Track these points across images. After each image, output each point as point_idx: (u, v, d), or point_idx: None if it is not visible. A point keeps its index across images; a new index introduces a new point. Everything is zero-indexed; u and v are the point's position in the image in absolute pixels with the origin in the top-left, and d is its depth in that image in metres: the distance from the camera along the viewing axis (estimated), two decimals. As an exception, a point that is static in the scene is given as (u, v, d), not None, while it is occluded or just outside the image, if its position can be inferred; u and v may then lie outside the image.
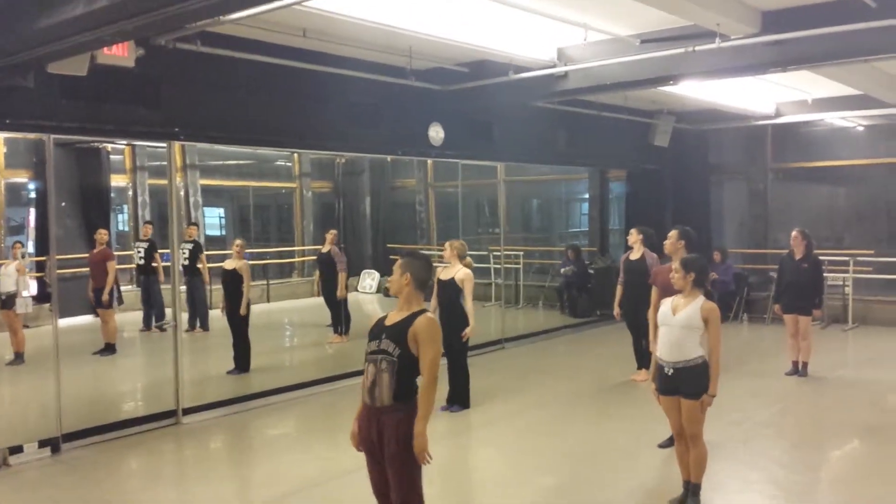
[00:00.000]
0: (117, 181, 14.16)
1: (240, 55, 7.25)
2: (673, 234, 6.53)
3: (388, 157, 15.87)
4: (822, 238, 12.59)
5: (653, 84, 8.58)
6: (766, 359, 9.70)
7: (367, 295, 16.95)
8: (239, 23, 6.44)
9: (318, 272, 11.86)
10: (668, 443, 5.92)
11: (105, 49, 5.75)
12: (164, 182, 13.68)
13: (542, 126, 10.93)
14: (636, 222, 13.45)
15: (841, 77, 9.23)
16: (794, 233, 8.72)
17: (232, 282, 8.82)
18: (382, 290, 16.15)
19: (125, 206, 14.77)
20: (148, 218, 13.91)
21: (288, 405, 7.89)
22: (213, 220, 17.47)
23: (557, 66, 8.29)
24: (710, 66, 7.46)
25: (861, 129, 12.82)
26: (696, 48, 7.10)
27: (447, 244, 7.68)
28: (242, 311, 8.79)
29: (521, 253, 14.47)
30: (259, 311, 10.82)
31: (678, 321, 4.87)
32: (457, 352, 7.49)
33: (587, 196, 15.52)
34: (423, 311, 3.91)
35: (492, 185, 14.35)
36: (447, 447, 6.41)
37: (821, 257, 8.91)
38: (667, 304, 5.03)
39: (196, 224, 12.26)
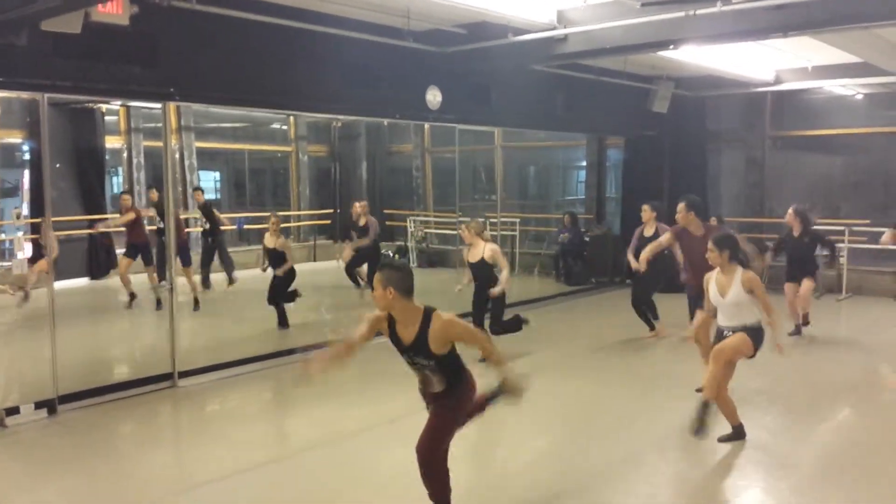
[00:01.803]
0: (112, 143, 14.05)
1: (236, 14, 7.16)
2: (681, 206, 7.02)
3: (385, 122, 15.81)
4: (819, 207, 12.62)
5: (653, 48, 8.49)
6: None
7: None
8: (235, -20, 6.36)
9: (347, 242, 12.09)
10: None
11: (99, 6, 5.66)
12: (159, 144, 13.80)
13: (541, 91, 10.83)
14: (634, 190, 13.57)
15: (841, 44, 9.14)
16: (789, 211, 9.07)
17: (273, 258, 9.25)
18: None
19: (119, 169, 14.68)
20: (146, 181, 13.90)
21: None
22: (208, 183, 17.37)
23: (557, 29, 8.19)
24: (710, 31, 7.36)
25: (860, 97, 12.77)
26: (698, 11, 7.02)
27: (463, 227, 8.05)
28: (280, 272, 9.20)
29: (518, 220, 14.44)
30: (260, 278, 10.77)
31: (729, 301, 5.37)
32: (495, 317, 7.94)
33: (584, 163, 15.46)
34: (428, 316, 3.98)
35: (488, 151, 14.33)
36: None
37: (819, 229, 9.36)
38: (713, 286, 5.47)
39: (201, 189, 12.33)
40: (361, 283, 11.53)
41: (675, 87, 12.42)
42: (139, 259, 10.54)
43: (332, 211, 17.50)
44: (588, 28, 7.97)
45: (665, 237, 7.53)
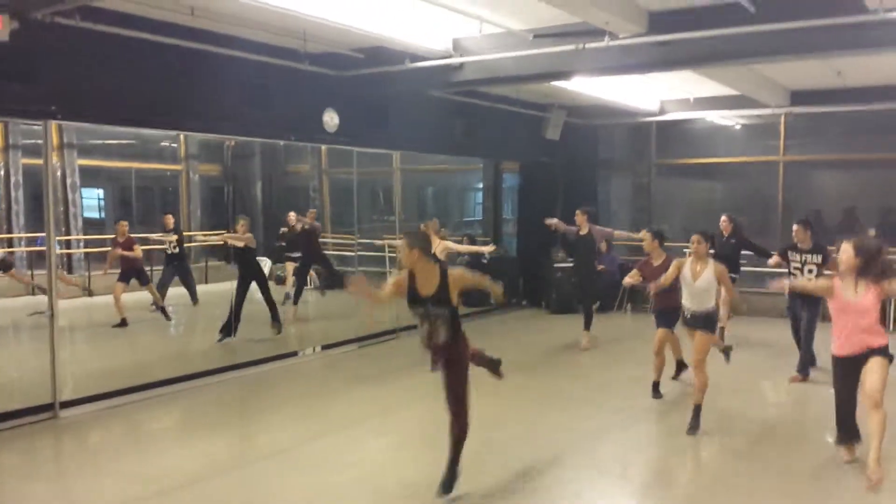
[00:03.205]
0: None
1: (123, 32, 6.91)
2: (647, 236, 7.71)
3: (281, 142, 15.60)
4: (699, 230, 13.20)
5: (545, 79, 8.76)
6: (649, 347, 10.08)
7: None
8: (122, -3, 6.16)
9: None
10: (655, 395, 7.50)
11: (-25, 20, 5.36)
12: (39, 162, 13.14)
13: (439, 116, 10.95)
14: (529, 213, 13.86)
15: (721, 77, 9.69)
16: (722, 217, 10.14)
17: (243, 255, 10.05)
18: (275, 278, 15.83)
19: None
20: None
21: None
22: (91, 201, 16.64)
23: (453, 57, 8.33)
24: (599, 64, 7.66)
25: (738, 127, 13.52)
26: (587, 45, 7.28)
27: (423, 226, 9.41)
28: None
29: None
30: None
31: (700, 285, 6.41)
32: None
33: (481, 186, 15.70)
34: (445, 270, 4.88)
35: (387, 173, 14.34)
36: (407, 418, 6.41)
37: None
38: (686, 270, 6.47)
39: (171, 213, 12.43)
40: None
41: (568, 116, 12.85)
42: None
43: (225, 232, 17.11)
44: (483, 57, 8.13)
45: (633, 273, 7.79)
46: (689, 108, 12.43)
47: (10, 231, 13.26)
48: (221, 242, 11.03)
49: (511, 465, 5.69)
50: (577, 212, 10.15)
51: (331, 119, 9.42)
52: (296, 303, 11.93)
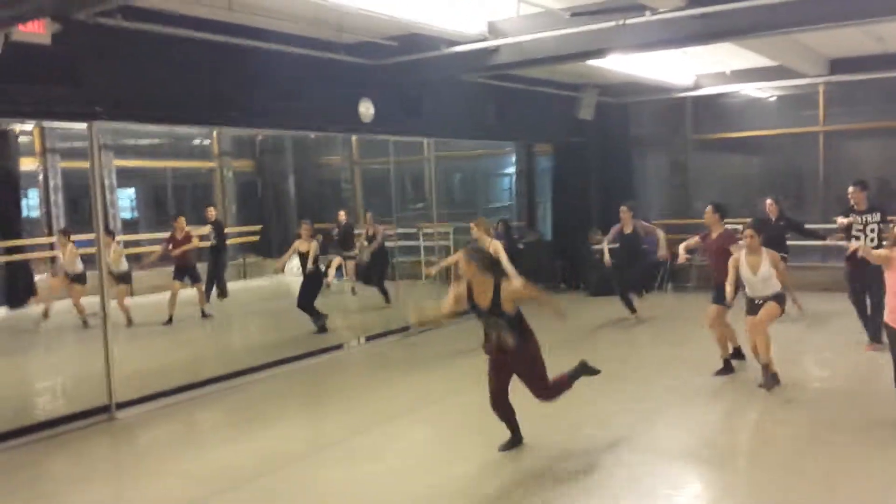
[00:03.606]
0: (26, 164, 13.44)
1: (163, 30, 6.92)
2: (708, 209, 7.73)
3: (312, 134, 15.64)
4: (738, 206, 13.05)
5: (584, 57, 8.65)
6: (691, 325, 9.98)
7: (295, 277, 16.63)
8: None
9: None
10: (723, 371, 7.42)
11: (20, 25, 5.39)
12: (76, 165, 13.29)
13: (471, 101, 10.88)
14: (564, 196, 13.77)
15: (759, 48, 9.52)
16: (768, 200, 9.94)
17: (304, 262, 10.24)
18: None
19: (34, 191, 14.03)
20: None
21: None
22: (124, 202, 16.80)
23: (488, 40, 8.25)
24: (640, 40, 7.56)
25: (773, 99, 13.28)
26: (627, 21, 7.18)
27: (473, 224, 9.21)
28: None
29: (451, 230, 14.43)
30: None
31: (760, 277, 6.64)
32: None
33: (510, 171, 15.60)
34: (499, 284, 5.18)
35: (416, 161, 14.32)
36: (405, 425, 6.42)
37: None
38: (744, 267, 6.67)
39: (214, 205, 13.06)
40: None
41: (600, 95, 12.70)
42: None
43: (259, 227, 17.21)
44: (520, 39, 8.05)
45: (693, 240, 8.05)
46: (725, 82, 12.24)
47: (50, 234, 13.41)
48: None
49: (570, 448, 5.67)
50: (623, 208, 10.23)
51: (366, 109, 9.39)
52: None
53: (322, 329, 10.01)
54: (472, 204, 18.14)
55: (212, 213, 12.30)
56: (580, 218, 13.33)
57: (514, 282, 5.33)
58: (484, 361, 5.60)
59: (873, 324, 7.92)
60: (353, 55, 8.57)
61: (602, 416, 6.41)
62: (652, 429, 6.15)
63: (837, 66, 11.46)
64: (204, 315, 11.47)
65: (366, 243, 12.58)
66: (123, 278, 10.96)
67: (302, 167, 17.72)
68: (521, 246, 13.43)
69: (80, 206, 15.39)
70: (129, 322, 10.88)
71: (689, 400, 6.85)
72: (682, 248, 7.98)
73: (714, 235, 7.62)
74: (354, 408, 7.03)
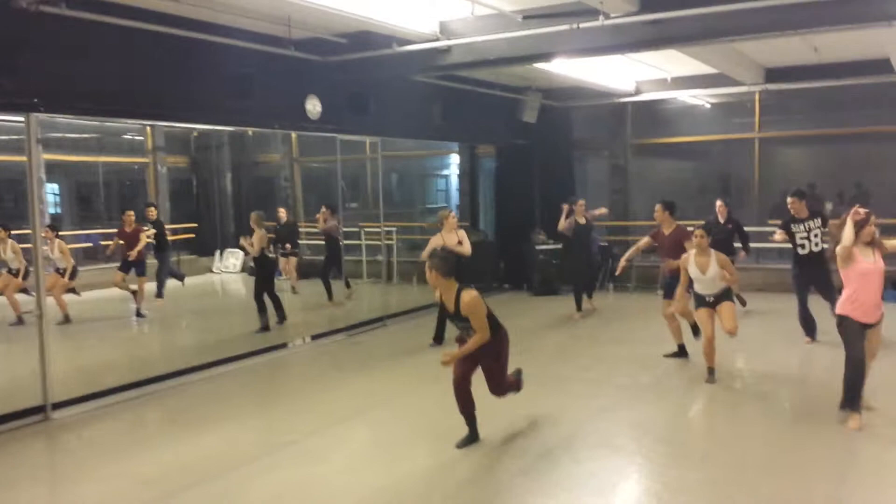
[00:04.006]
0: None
1: (107, 20, 6.66)
2: (658, 207, 8.12)
3: (250, 131, 15.37)
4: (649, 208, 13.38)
5: (536, 60, 8.70)
6: (635, 324, 10.19)
7: (231, 274, 16.36)
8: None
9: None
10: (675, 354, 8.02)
11: (-43, 9, 5.11)
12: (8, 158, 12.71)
13: (418, 101, 10.85)
14: (506, 197, 13.87)
15: (702, 56, 9.75)
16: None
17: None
18: (247, 269, 15.65)
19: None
20: None
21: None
22: (48, 197, 16.15)
23: (441, 40, 8.23)
24: (592, 44, 7.64)
25: (711, 106, 13.65)
26: (581, 25, 7.25)
27: (446, 214, 9.26)
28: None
29: (395, 229, 14.34)
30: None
31: (709, 276, 6.96)
32: None
33: (446, 172, 15.65)
34: (459, 293, 5.33)
35: (358, 160, 14.19)
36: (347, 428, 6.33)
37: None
38: (692, 266, 7.01)
39: (154, 205, 12.44)
40: None
41: (544, 98, 12.83)
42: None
43: (195, 225, 16.81)
44: (472, 40, 8.06)
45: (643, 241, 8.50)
46: (665, 88, 12.51)
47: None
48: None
49: (525, 448, 5.68)
50: (580, 201, 10.80)
51: (313, 106, 9.26)
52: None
53: (265, 328, 9.82)
54: (410, 204, 18.13)
55: (152, 212, 11.92)
56: (523, 219, 13.44)
57: (471, 297, 5.30)
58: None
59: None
60: (302, 51, 8.43)
61: (555, 414, 6.44)
62: (605, 425, 6.21)
63: (773, 75, 11.84)
64: (139, 314, 11.12)
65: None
66: (70, 274, 10.62)
67: (240, 164, 17.38)
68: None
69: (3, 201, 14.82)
70: (67, 319, 10.49)
71: (638, 397, 6.96)
72: (624, 259, 8.56)
73: (667, 232, 7.97)
74: (303, 409, 6.90)
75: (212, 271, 16.53)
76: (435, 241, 8.76)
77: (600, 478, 5.17)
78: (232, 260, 16.67)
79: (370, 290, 13.20)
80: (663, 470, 5.34)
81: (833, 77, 11.34)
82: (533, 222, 13.30)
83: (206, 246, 16.35)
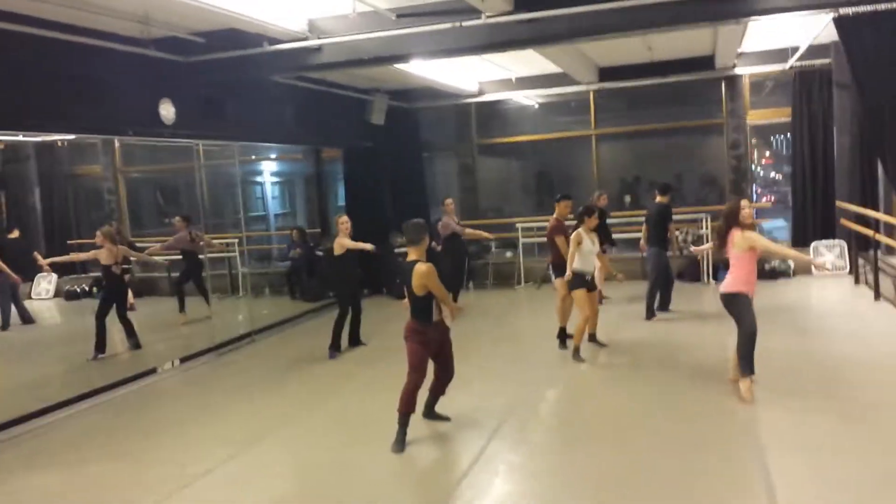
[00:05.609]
0: None
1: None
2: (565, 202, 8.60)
3: (59, 142, 14.07)
4: (517, 204, 13.89)
5: (412, 59, 8.52)
6: (516, 318, 10.38)
7: (43, 301, 14.75)
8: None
9: None
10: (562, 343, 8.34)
11: None
12: None
13: (272, 102, 10.38)
14: (357, 201, 13.61)
15: (552, 55, 10.11)
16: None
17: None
18: (63, 294, 14.26)
19: None
20: None
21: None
22: None
23: (310, 39, 7.93)
24: (472, 42, 7.61)
25: (551, 104, 14.21)
26: (464, 23, 7.26)
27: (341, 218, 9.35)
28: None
29: (236, 240, 13.62)
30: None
31: (596, 248, 7.87)
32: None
33: (260, 179, 15.20)
34: (413, 264, 5.63)
35: (187, 168, 13.32)
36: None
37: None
38: (586, 240, 7.68)
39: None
40: None
41: (391, 100, 12.75)
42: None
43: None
44: (344, 39, 7.83)
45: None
46: (510, 88, 12.86)
47: None
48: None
49: (451, 448, 5.60)
50: (448, 199, 11.30)
51: (167, 111, 8.57)
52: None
53: (136, 346, 9.35)
54: (218, 215, 17.23)
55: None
56: (375, 223, 13.26)
57: (426, 269, 5.56)
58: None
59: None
60: (162, 51, 7.81)
61: (462, 413, 6.39)
62: (515, 421, 6.23)
63: (605, 73, 12.54)
64: None
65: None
66: None
67: (51, 178, 15.75)
68: (319, 253, 13.10)
69: None
70: None
71: (540, 391, 7.08)
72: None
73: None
74: (204, 436, 6.34)
75: (31, 298, 14.85)
76: (340, 244, 9.16)
77: (519, 468, 5.20)
78: (44, 285, 15.08)
79: (221, 305, 12.46)
80: (577, 452, 5.46)
81: (661, 74, 12.21)
82: (386, 226, 13.17)
83: (24, 271, 14.67)
